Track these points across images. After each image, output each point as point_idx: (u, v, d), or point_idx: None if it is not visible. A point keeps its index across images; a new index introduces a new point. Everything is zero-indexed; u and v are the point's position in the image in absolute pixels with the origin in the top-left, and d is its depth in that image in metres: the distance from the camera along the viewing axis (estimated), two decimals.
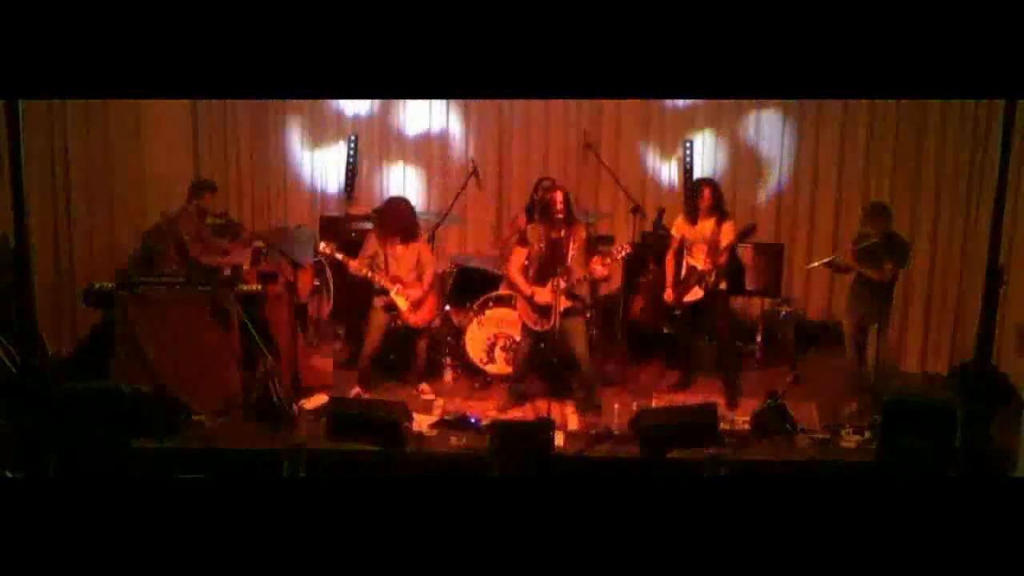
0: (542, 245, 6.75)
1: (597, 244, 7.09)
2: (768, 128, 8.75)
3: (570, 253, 6.68)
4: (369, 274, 7.06)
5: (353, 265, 7.07)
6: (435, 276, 7.34)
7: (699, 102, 8.77)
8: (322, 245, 7.19)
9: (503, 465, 6.13)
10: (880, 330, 6.99)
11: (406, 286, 7.09)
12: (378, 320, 7.15)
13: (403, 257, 7.13)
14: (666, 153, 8.93)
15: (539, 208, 6.93)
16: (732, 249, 7.09)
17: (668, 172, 8.94)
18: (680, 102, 8.80)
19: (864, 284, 6.98)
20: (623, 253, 6.81)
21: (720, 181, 7.83)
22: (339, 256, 7.11)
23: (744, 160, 8.82)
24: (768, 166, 8.80)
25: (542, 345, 6.90)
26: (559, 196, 6.69)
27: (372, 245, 7.13)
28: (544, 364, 7.00)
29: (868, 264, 6.91)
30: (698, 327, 7.37)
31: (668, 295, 7.15)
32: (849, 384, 7.19)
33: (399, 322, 7.22)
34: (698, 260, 7.04)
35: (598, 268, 6.73)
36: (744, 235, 7.16)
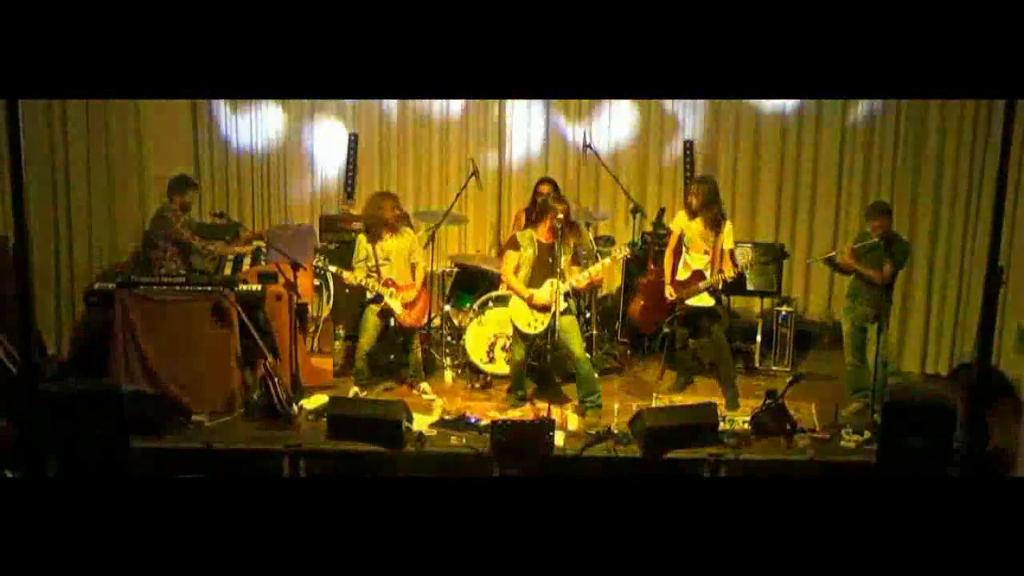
0: (534, 250, 6.76)
1: (581, 253, 7.08)
2: (768, 128, 8.75)
3: (562, 259, 6.67)
4: (364, 281, 7.06)
5: (348, 276, 7.10)
6: (427, 274, 7.34)
7: (699, 102, 8.77)
8: (316, 259, 7.21)
9: (503, 465, 6.15)
10: (880, 330, 6.99)
11: (400, 289, 7.09)
12: (373, 319, 7.15)
13: (394, 257, 7.12)
14: (666, 153, 8.92)
15: (539, 212, 6.90)
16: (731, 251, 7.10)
17: (668, 172, 8.94)
18: (679, 102, 8.80)
19: (864, 284, 6.97)
20: (622, 255, 6.84)
21: (719, 181, 7.80)
22: (333, 269, 7.17)
23: (744, 160, 8.82)
24: (768, 166, 8.79)
25: (542, 342, 6.89)
26: (561, 209, 6.66)
27: (363, 248, 7.13)
28: (539, 367, 7.01)
29: (868, 264, 6.90)
30: (696, 328, 7.35)
31: (669, 292, 7.12)
32: (849, 384, 7.19)
33: (396, 323, 7.22)
34: (698, 261, 7.03)
35: (578, 279, 6.74)
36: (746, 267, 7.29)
